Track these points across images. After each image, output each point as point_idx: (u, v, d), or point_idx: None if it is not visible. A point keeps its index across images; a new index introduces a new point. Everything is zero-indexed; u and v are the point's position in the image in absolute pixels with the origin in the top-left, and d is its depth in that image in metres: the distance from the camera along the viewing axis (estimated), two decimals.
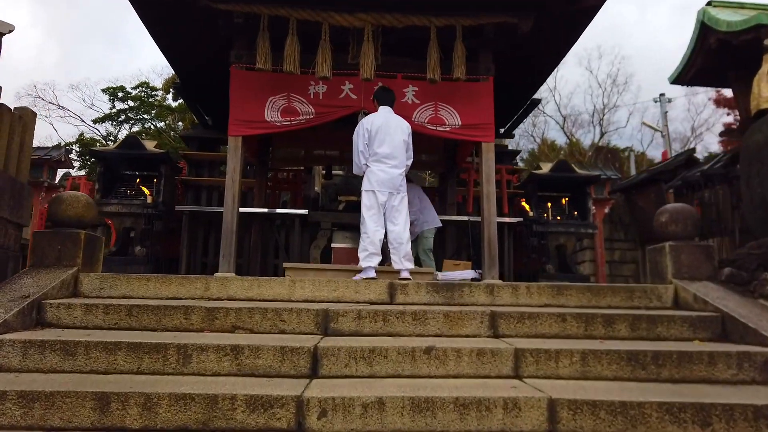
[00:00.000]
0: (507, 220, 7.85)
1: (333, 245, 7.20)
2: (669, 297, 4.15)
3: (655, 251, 4.50)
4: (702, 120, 35.38)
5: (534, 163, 28.35)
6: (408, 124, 5.68)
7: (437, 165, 8.26)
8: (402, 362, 3.07)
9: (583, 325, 3.62)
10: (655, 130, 15.87)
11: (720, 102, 18.24)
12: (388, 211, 5.43)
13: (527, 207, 7.53)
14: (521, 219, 7.61)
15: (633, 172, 14.18)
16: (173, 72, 7.87)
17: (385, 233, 5.39)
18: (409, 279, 5.26)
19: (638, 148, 29.73)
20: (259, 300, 4.05)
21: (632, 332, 3.62)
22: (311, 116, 5.95)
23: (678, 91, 45.51)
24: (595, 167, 11.89)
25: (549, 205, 8.45)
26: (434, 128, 6.03)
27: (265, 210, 7.52)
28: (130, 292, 4.02)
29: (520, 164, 27.53)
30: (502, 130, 8.83)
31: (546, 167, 8.62)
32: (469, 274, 6.01)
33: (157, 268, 7.30)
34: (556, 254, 8.40)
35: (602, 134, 27.46)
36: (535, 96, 7.88)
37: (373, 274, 5.22)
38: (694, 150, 9.29)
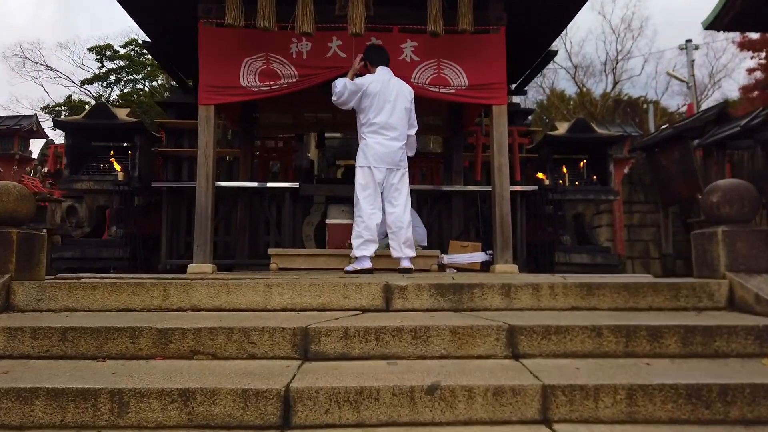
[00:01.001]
0: (520, 188, 7.09)
1: (327, 221, 6.49)
2: (723, 295, 3.44)
3: (703, 238, 3.76)
4: (720, 66, 33.82)
5: (544, 116, 27.26)
6: (411, 88, 4.88)
7: (441, 129, 7.45)
8: (398, 406, 2.40)
9: (623, 340, 2.92)
10: (681, 80, 14.83)
11: (744, 45, 17.01)
12: (387, 191, 4.71)
13: (543, 176, 6.77)
14: (536, 188, 6.85)
15: (652, 125, 13.27)
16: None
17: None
18: (411, 268, 4.57)
19: (652, 96, 28.51)
20: (229, 310, 3.38)
21: (684, 347, 2.92)
22: (294, 79, 5.14)
23: (694, 34, 43.61)
24: (613, 123, 10.99)
25: (565, 169, 7.66)
26: (437, 90, 5.21)
27: (249, 184, 6.77)
28: (74, 303, 3.35)
29: (529, 118, 26.52)
30: (513, 87, 7.96)
31: (562, 127, 7.79)
32: (479, 257, 5.31)
33: (134, 251, 6.65)
34: (573, 224, 7.67)
35: (615, 83, 26.20)
36: (551, 47, 6.97)
37: (368, 264, 4.54)
38: (726, 104, 8.40)
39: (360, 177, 4.66)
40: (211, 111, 5.03)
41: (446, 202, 7.37)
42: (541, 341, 2.91)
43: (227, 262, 6.81)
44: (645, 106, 12.61)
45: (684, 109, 20.26)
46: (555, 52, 7.11)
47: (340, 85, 4.65)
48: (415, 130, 4.91)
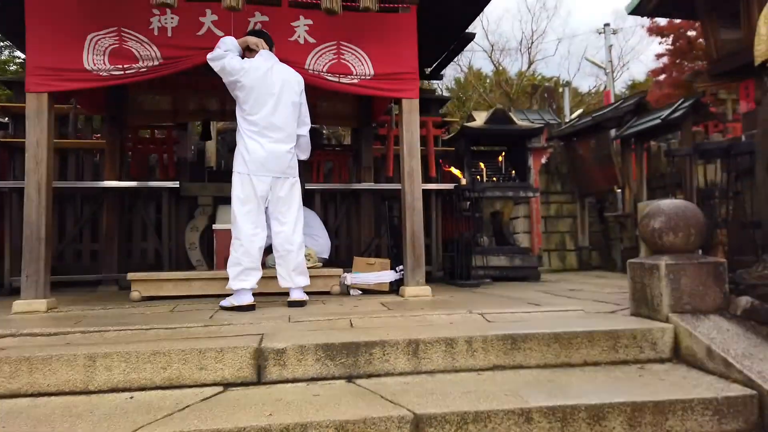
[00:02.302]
0: (435, 187, 6.42)
1: (215, 227, 5.53)
2: (667, 344, 2.89)
3: (642, 270, 3.19)
4: (629, 48, 34.92)
5: (461, 94, 26.98)
6: (300, 77, 3.99)
7: (349, 118, 6.60)
8: None
9: (558, 426, 2.27)
10: (599, 66, 14.75)
11: (653, 30, 17.21)
12: (273, 205, 3.84)
13: (459, 174, 6.12)
14: (453, 186, 6.20)
15: (567, 108, 13.08)
16: None
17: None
18: (304, 301, 3.76)
19: (565, 77, 28.98)
20: (32, 395, 2.43)
21: (632, 430, 2.32)
22: (157, 63, 4.10)
23: (608, 17, 45.04)
24: (531, 110, 10.58)
25: (483, 164, 7.07)
26: (336, 80, 4.36)
27: (107, 184, 5.63)
28: None
29: (444, 93, 26.24)
30: (428, 70, 7.22)
31: (480, 117, 7.16)
32: (388, 276, 4.57)
33: None
34: (491, 223, 7.12)
35: (530, 63, 26.31)
36: (470, 30, 6.27)
37: (248, 299, 3.67)
38: (645, 93, 8.12)
39: (238, 188, 3.75)
40: (44, 101, 3.91)
41: (355, 201, 6.59)
42: None
43: (90, 277, 5.69)
44: (561, 89, 12.35)
45: (597, 91, 20.54)
46: (473, 35, 6.42)
47: (224, 46, 3.71)
48: (308, 128, 4.05)
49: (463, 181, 6.04)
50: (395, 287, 4.65)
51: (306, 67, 4.27)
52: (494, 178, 7.10)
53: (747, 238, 4.07)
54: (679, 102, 7.00)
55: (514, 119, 7.09)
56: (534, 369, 2.76)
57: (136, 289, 4.29)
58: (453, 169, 6.30)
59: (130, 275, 4.30)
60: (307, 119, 4.04)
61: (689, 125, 6.90)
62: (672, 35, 16.86)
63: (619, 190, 8.13)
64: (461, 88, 27.61)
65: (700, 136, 7.67)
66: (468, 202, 6.20)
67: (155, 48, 4.07)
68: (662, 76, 18.74)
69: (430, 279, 5.96)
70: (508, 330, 2.84)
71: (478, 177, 7.02)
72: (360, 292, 4.61)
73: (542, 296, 4.58)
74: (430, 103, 7.08)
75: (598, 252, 9.76)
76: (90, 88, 4.47)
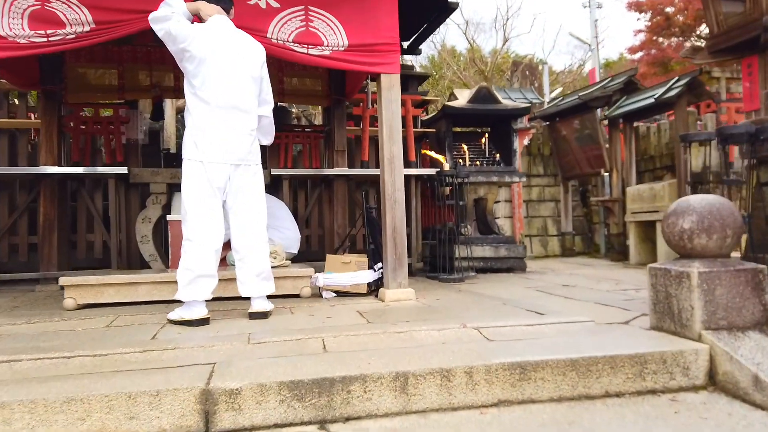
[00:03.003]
0: (415, 172, 5.88)
1: (169, 217, 4.91)
2: (701, 368, 2.43)
3: (666, 277, 2.72)
4: (605, 25, 34.55)
5: (435, 72, 26.29)
6: (262, 47, 3.38)
7: (320, 96, 5.98)
8: None
9: None
10: (584, 42, 14.32)
11: (632, 5, 16.85)
12: (231, 198, 3.25)
13: (442, 159, 5.58)
14: (434, 171, 5.67)
15: (547, 87, 12.61)
16: None
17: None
18: (267, 312, 3.21)
19: (540, 55, 28.52)
20: None
21: None
22: (88, 28, 3.43)
23: None
24: (512, 88, 10.06)
25: (465, 147, 6.55)
26: (305, 51, 3.75)
27: (40, 170, 4.94)
28: None
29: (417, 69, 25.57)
30: (405, 45, 6.62)
31: (462, 96, 6.62)
32: (365, 276, 4.04)
33: None
34: (474, 209, 6.64)
35: (505, 40, 25.70)
36: None
37: (201, 312, 3.10)
38: (634, 71, 7.67)
39: (189, 178, 3.14)
40: None
41: (327, 187, 6.01)
42: None
43: (27, 276, 5.02)
44: (541, 67, 11.84)
45: (570, 70, 20.14)
46: (456, 5, 5.83)
47: (169, 7, 3.03)
48: (271, 107, 3.45)
49: (446, 166, 5.51)
50: (373, 288, 4.13)
51: (269, 35, 3.65)
52: (477, 162, 6.59)
53: None
54: (674, 80, 6.56)
55: (499, 98, 6.57)
56: (547, 404, 2.28)
57: (70, 296, 3.66)
58: (433, 154, 5.76)
59: (63, 280, 3.66)
60: (270, 97, 3.43)
61: (684, 105, 6.48)
62: (651, 11, 16.54)
63: (606, 174, 7.72)
64: (435, 66, 26.95)
65: (693, 117, 7.27)
66: (450, 189, 5.69)
67: (85, 10, 3.39)
68: (639, 54, 18.47)
69: (410, 272, 5.47)
70: (515, 356, 2.34)
71: (461, 161, 6.51)
72: (333, 295, 4.07)
73: (536, 297, 4.11)
74: (408, 80, 6.51)
75: (581, 237, 9.40)
76: (11, 58, 3.76)
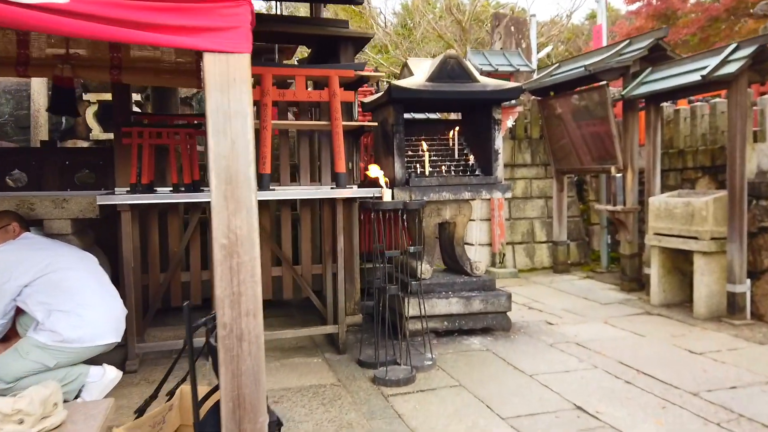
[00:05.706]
0: (347, 194, 3.77)
1: None
2: None
3: None
4: None
5: (408, 20, 23.74)
6: None
7: (189, 75, 3.73)
8: None
9: None
10: None
11: None
12: None
13: (385, 179, 3.48)
14: (373, 192, 3.60)
15: (534, 45, 10.35)
16: None
17: None
18: None
19: (522, 4, 25.86)
20: None
21: None
22: None
23: None
24: (494, 50, 7.82)
25: (424, 146, 4.44)
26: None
27: None
28: None
29: (388, 18, 23.01)
30: None
31: (420, 70, 4.45)
32: None
33: None
34: (435, 238, 4.60)
35: None
36: None
37: None
38: (664, 31, 5.53)
39: None
40: None
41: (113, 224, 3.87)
42: None
43: None
44: (529, 20, 9.61)
45: (563, 23, 17.71)
46: None
47: None
48: None
49: (384, 193, 3.40)
50: None
51: None
52: (442, 168, 4.48)
53: None
54: (731, 48, 4.45)
55: (474, 73, 4.40)
56: None
57: None
58: (373, 170, 3.63)
59: None
60: None
61: (744, 85, 4.41)
62: None
63: (619, 174, 5.68)
64: (408, 13, 24.31)
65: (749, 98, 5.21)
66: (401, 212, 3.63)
67: None
68: (637, 5, 16.21)
69: (337, 343, 3.46)
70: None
71: (418, 167, 4.41)
72: None
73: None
74: (338, 45, 4.25)
75: (577, 244, 7.43)
76: None
